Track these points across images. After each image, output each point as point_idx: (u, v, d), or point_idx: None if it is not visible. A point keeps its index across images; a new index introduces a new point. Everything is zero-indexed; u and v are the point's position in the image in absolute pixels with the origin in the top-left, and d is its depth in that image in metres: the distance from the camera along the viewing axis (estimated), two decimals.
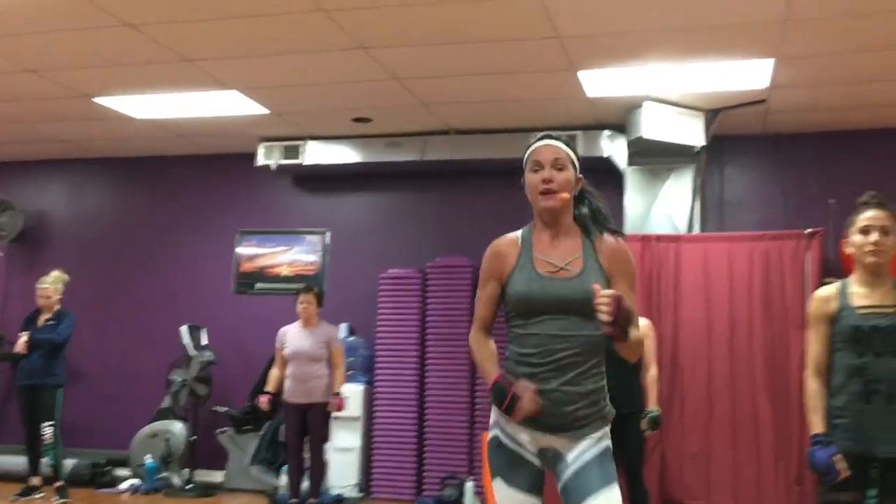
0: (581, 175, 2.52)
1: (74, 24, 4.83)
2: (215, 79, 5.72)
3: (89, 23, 4.80)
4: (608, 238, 2.47)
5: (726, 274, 5.98)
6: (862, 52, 4.93)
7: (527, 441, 2.40)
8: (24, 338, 6.10)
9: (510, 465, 2.43)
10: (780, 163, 6.54)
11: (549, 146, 2.48)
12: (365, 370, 6.89)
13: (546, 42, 4.89)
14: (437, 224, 7.23)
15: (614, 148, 6.42)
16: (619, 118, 6.25)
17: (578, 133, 6.38)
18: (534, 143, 2.54)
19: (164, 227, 7.85)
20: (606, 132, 6.43)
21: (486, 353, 2.54)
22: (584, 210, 2.52)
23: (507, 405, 2.30)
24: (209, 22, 4.77)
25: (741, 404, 5.83)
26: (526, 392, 2.30)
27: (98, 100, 6.25)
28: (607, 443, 2.42)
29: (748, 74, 5.35)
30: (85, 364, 7.64)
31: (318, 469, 5.75)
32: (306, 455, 5.80)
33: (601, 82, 5.56)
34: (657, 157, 6.28)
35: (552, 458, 2.40)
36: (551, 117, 6.31)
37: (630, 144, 6.26)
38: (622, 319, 2.18)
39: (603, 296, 2.18)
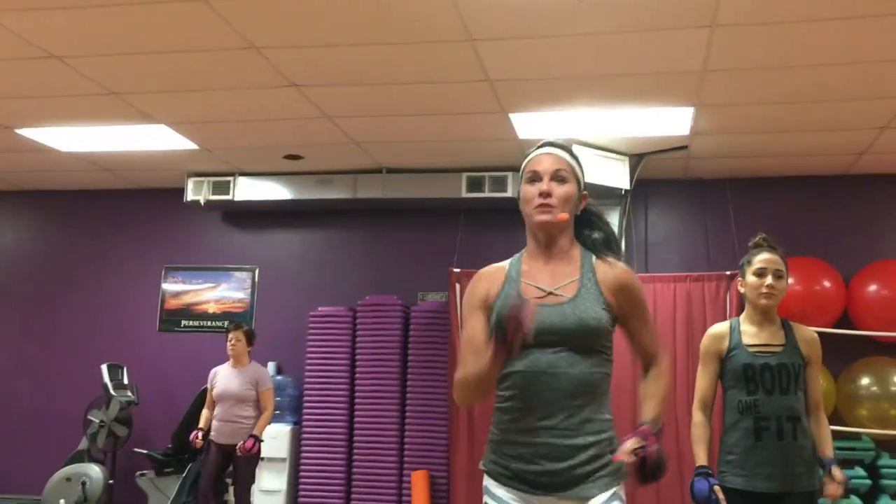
0: (586, 192, 2.20)
1: None
2: (143, 113, 5.64)
3: (13, 54, 4.69)
4: (613, 263, 2.14)
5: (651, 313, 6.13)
6: (775, 103, 5.17)
7: None
8: None
9: None
10: (701, 206, 6.76)
11: (551, 154, 2.15)
12: (292, 410, 6.78)
13: (477, 85, 4.99)
14: (367, 262, 7.22)
15: None
16: None
17: (509, 174, 6.49)
18: (533, 150, 2.20)
19: (88, 262, 7.64)
20: None
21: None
22: (596, 235, 2.20)
23: (512, 330, 1.82)
24: (138, 56, 4.72)
25: (664, 442, 5.93)
26: (523, 311, 1.82)
27: (21, 131, 6.09)
28: None
29: (670, 121, 5.55)
30: None
31: None
32: (228, 499, 5.65)
33: (532, 125, 5.68)
34: None
35: None
36: (483, 158, 6.40)
37: None
38: (650, 471, 1.85)
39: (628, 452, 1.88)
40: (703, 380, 3.21)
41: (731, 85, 4.91)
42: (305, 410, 6.70)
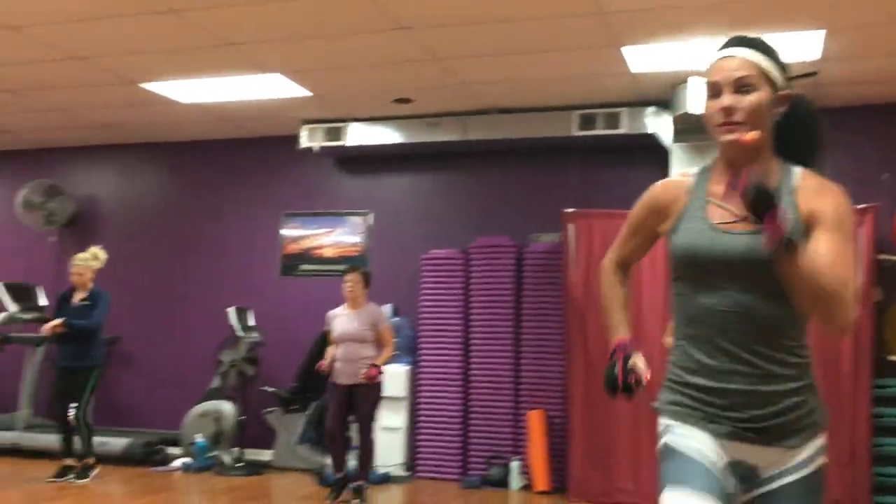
0: (787, 91, 1.83)
1: (120, 10, 4.89)
2: (257, 62, 5.76)
3: (134, 9, 4.86)
4: (822, 181, 1.82)
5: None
6: None
7: (710, 450, 1.77)
8: (53, 322, 6.07)
9: (689, 473, 1.76)
10: (832, 137, 6.35)
11: (732, 58, 1.80)
12: (409, 351, 6.93)
13: (588, 18, 4.82)
14: (478, 204, 7.21)
15: (659, 124, 6.32)
16: (664, 94, 6.15)
17: (622, 110, 6.30)
18: (715, 54, 1.85)
19: (211, 210, 7.96)
20: (651, 108, 6.32)
21: (614, 296, 2.01)
22: (797, 144, 1.87)
23: (622, 386, 1.86)
24: (251, 6, 4.79)
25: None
26: (639, 369, 1.88)
27: (144, 85, 6.34)
28: (821, 461, 1.81)
29: (799, 46, 5.21)
30: (136, 346, 7.84)
31: (367, 450, 5.78)
32: (351, 435, 5.84)
33: (645, 58, 5.47)
34: (704, 133, 6.11)
35: (746, 475, 1.79)
36: (594, 94, 6.23)
37: (675, 121, 6.16)
38: (759, 207, 1.58)
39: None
40: None
41: (866, 3, 4.55)
42: (421, 351, 6.84)
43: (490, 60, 5.62)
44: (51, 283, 7.45)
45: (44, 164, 8.33)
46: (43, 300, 7.40)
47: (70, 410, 6.15)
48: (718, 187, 1.83)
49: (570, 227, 6.19)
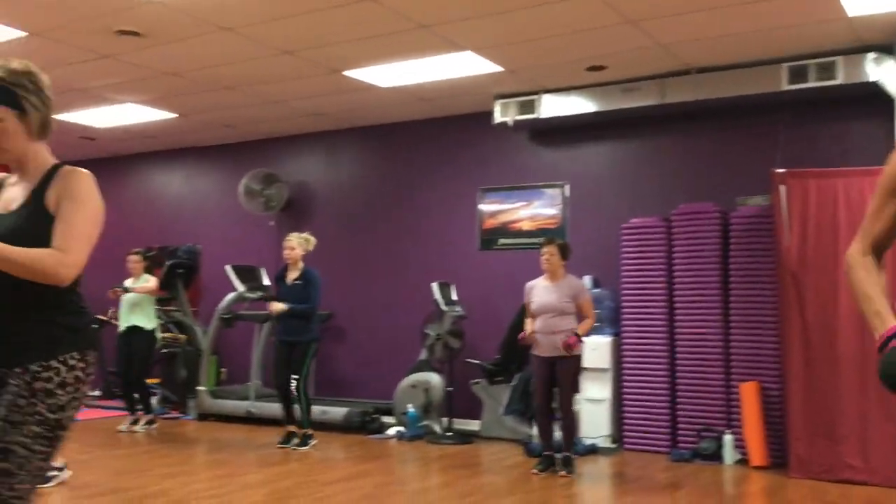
0: None
1: (321, 4, 5.16)
2: (449, 41, 5.86)
3: (334, 1, 5.10)
4: None
5: None
6: None
7: None
8: (280, 307, 6.53)
9: None
10: None
11: None
12: (611, 322, 6.83)
13: None
14: (679, 170, 6.95)
15: (882, 71, 5.76)
16: (887, 38, 5.59)
17: (837, 59, 5.81)
18: None
19: (412, 189, 8.25)
20: (872, 55, 5.77)
21: (872, 280, 1.71)
22: None
23: None
24: None
25: None
26: None
27: (347, 73, 6.66)
28: None
29: None
30: (348, 321, 8.32)
31: (570, 421, 5.79)
32: (555, 405, 5.87)
33: None
34: None
35: None
36: (804, 43, 5.78)
37: None
38: None
39: None
40: None
41: None
42: (624, 322, 6.72)
43: (687, 18, 5.37)
44: (272, 264, 8.05)
45: (261, 154, 9.00)
46: (266, 280, 8.03)
47: (291, 382, 6.62)
48: None
49: (782, 189, 5.80)
